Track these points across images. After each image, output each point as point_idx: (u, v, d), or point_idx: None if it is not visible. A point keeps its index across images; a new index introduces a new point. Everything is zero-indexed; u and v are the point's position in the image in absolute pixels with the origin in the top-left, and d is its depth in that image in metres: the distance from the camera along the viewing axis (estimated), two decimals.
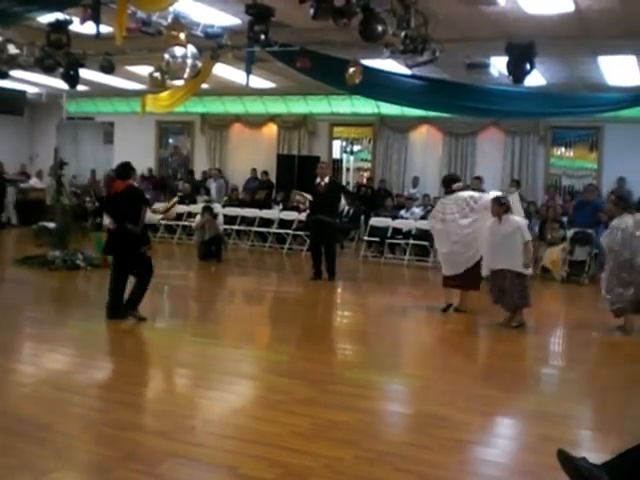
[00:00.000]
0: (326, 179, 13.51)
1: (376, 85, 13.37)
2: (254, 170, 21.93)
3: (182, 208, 19.17)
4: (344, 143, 22.39)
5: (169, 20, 11.05)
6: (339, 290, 13.21)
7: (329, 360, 8.13)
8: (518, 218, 9.75)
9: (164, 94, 15.77)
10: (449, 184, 10.71)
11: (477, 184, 15.22)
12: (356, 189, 20.48)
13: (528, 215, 16.03)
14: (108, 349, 8.35)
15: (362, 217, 18.72)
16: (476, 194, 10.69)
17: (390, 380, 7.42)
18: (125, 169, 9.30)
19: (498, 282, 9.64)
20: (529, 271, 9.68)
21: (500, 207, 9.61)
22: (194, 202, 20.12)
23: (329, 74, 13.43)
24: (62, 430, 5.37)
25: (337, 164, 22.27)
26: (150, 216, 9.06)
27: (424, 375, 7.55)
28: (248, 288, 13.44)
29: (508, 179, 19.22)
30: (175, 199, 10.15)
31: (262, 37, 10.61)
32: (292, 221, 17.85)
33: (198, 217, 16.54)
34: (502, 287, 9.60)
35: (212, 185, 21.84)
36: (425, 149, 20.72)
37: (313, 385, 6.78)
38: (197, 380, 7.06)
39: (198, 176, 23.09)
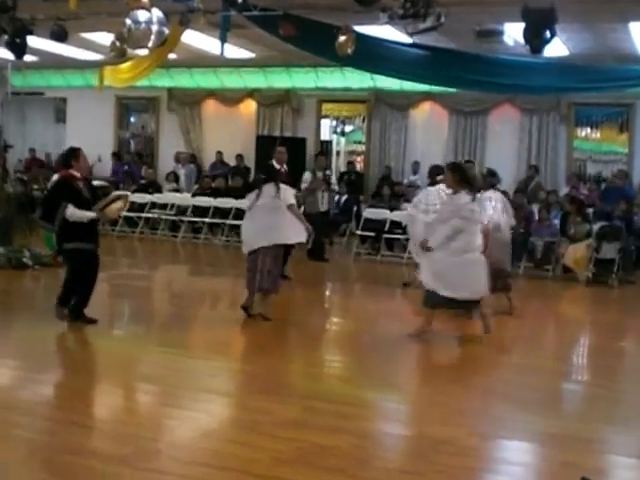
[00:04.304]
0: (284, 165, 13.72)
1: (371, 55, 13.35)
2: (219, 153, 22.03)
3: (146, 198, 19.20)
4: (334, 122, 22.39)
5: None
6: (327, 293, 13.24)
7: (316, 374, 8.13)
8: None
9: (125, 65, 15.73)
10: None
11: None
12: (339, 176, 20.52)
13: (548, 206, 16.13)
14: (59, 361, 8.32)
15: (355, 208, 18.75)
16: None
17: (386, 397, 7.42)
18: (65, 156, 9.36)
19: None
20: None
21: None
22: (159, 191, 20.10)
23: (317, 43, 13.39)
24: (3, 456, 5.34)
25: (326, 147, 22.25)
26: (79, 214, 9.02)
27: (426, 391, 7.56)
28: (222, 290, 13.43)
29: (524, 165, 19.26)
30: (116, 193, 10.12)
31: None
32: None
33: (307, 173, 16.24)
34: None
35: (181, 171, 21.79)
36: (428, 130, 20.72)
37: (297, 403, 6.78)
38: (162, 397, 7.05)
39: (165, 160, 23.05)
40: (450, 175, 9.48)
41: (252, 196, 10.24)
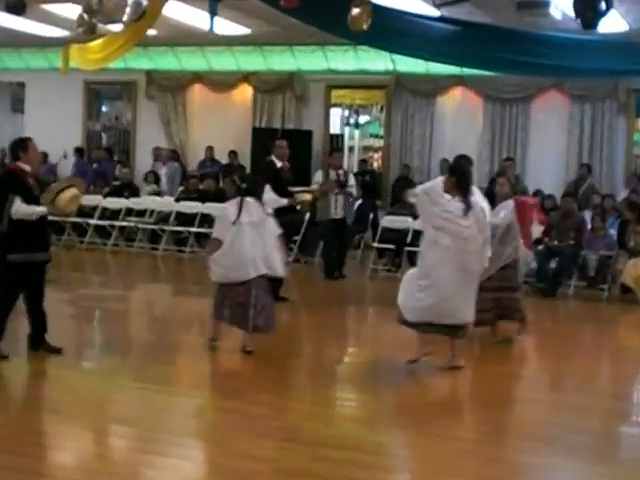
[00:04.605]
0: (286, 162, 13.99)
1: (391, 32, 13.40)
2: (209, 149, 22.06)
3: (121, 202, 19.21)
4: (346, 112, 22.41)
5: None
6: (337, 318, 13.21)
7: (325, 415, 8.16)
8: None
9: (95, 44, 15.77)
10: None
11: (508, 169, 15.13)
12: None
13: (603, 213, 16.12)
14: (14, 398, 8.34)
15: (371, 215, 18.79)
16: None
17: (408, 443, 7.44)
18: (13, 147, 9.45)
19: None
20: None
21: None
22: (136, 194, 20.09)
23: (325, 16, 13.44)
24: None
25: (336, 141, 22.27)
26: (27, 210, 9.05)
27: (455, 435, 7.56)
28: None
29: (575, 163, 19.24)
30: (72, 180, 10.14)
31: None
32: None
33: (318, 173, 16.41)
34: None
35: (162, 170, 21.74)
36: (459, 121, 20.76)
37: (303, 450, 6.80)
38: (140, 442, 7.07)
39: (143, 157, 23.05)
40: (448, 177, 9.48)
41: (234, 207, 9.93)
